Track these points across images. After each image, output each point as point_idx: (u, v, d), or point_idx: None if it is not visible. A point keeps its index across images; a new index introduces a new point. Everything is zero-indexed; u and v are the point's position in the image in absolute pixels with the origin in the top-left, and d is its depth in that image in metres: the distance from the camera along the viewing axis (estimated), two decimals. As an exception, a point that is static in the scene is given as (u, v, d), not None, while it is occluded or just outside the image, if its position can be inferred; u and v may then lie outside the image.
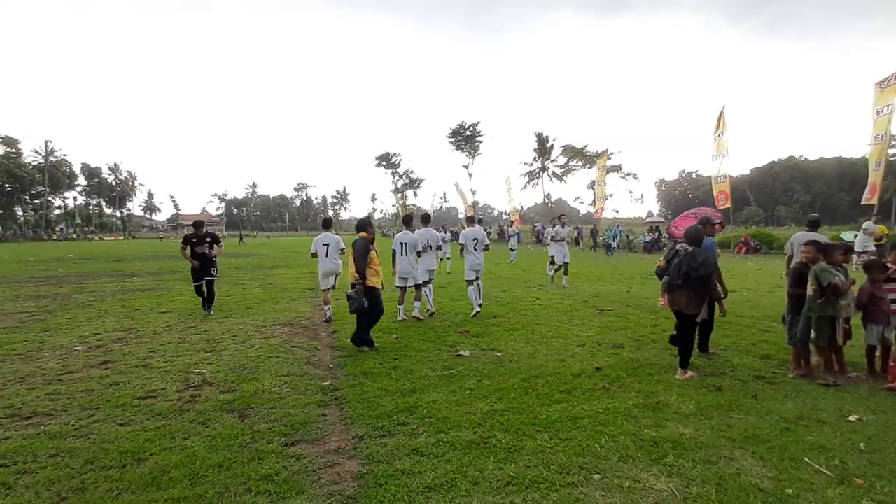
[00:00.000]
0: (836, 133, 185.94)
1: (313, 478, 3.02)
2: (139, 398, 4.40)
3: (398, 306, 8.01)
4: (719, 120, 23.39)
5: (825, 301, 4.72)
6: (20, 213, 79.24)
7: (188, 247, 8.67)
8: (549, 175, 60.72)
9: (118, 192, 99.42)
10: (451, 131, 64.26)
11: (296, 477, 3.02)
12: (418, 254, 8.05)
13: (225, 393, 4.53)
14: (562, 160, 59.88)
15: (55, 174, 79.44)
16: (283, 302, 10.01)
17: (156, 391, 4.59)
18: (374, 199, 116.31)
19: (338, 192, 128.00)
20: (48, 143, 78.98)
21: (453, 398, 4.34)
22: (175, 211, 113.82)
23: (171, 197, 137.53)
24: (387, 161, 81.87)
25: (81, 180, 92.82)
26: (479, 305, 8.30)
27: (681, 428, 3.67)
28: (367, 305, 5.95)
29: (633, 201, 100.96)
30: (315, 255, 8.14)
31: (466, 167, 64.63)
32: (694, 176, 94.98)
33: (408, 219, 8.59)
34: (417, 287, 7.95)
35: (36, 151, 78.12)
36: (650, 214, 75.66)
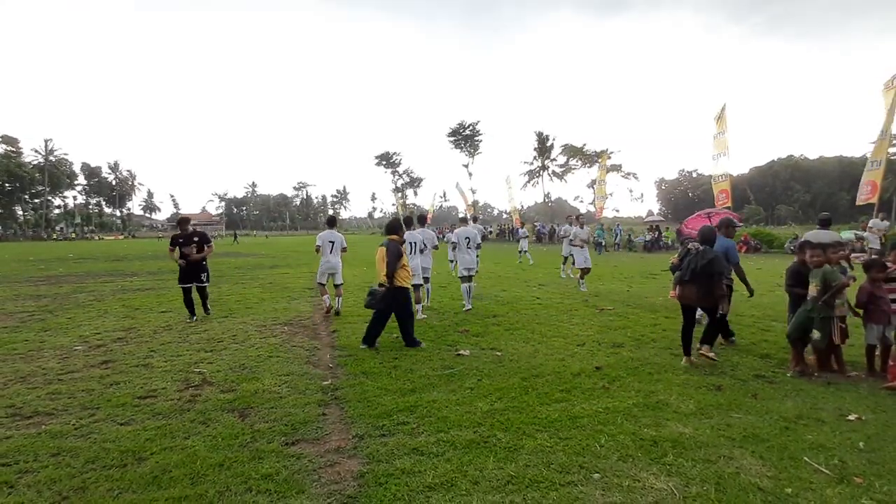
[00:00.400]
0: (837, 132, 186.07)
1: (314, 477, 3.02)
2: (140, 398, 4.41)
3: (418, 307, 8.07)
4: (720, 118, 23.36)
5: (827, 302, 4.74)
6: (20, 212, 79.28)
7: (176, 248, 7.93)
8: (549, 174, 60.77)
9: (118, 191, 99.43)
10: (450, 130, 64.37)
11: (296, 476, 3.03)
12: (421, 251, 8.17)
13: (225, 392, 4.54)
14: (561, 159, 59.95)
15: (55, 173, 79.45)
16: (282, 301, 10.02)
17: (156, 391, 4.60)
18: (373, 198, 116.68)
19: (338, 191, 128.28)
20: (48, 143, 79.10)
21: (453, 397, 4.34)
22: (175, 210, 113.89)
23: (171, 196, 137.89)
24: (387, 160, 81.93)
25: (81, 180, 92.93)
26: (469, 303, 8.67)
27: (680, 427, 3.67)
28: (400, 305, 6.15)
29: (633, 200, 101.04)
30: (318, 251, 8.43)
31: (466, 166, 64.76)
32: (694, 175, 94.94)
33: (407, 220, 8.64)
34: (416, 287, 7.96)
35: (36, 150, 78.24)
36: (650, 214, 75.62)
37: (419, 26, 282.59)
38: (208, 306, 8.43)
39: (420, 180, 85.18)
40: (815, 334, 4.77)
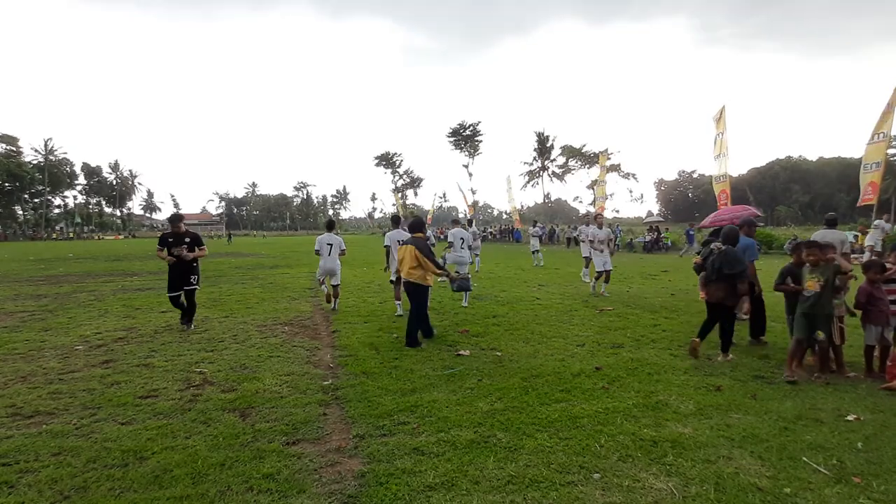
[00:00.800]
0: (836, 133, 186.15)
1: (314, 477, 3.03)
2: (140, 397, 4.42)
3: (396, 302, 8.40)
4: (719, 120, 23.38)
5: (828, 300, 4.77)
6: (20, 212, 79.25)
7: (165, 248, 7.27)
8: (549, 175, 60.80)
9: (118, 191, 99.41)
10: (451, 131, 64.36)
11: (297, 476, 3.04)
12: None
13: (226, 392, 4.55)
14: (561, 160, 59.99)
15: (55, 173, 79.43)
16: (283, 301, 10.03)
17: (157, 390, 4.60)
18: (373, 198, 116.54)
19: (338, 191, 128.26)
20: (48, 142, 79.09)
21: (454, 397, 4.35)
22: (175, 210, 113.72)
23: (172, 196, 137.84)
24: (387, 161, 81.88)
25: (81, 179, 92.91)
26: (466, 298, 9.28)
27: (680, 427, 3.68)
28: (419, 301, 6.32)
29: (632, 201, 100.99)
30: (318, 253, 8.71)
31: (466, 167, 64.73)
32: (695, 176, 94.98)
33: (396, 219, 9.21)
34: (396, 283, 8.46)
35: (35, 150, 78.22)
36: (650, 214, 75.63)
37: (419, 26, 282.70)
38: (192, 319, 7.47)
39: (420, 181, 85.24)
40: (820, 335, 4.76)
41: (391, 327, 7.32)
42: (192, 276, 7.39)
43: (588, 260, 11.87)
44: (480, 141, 63.95)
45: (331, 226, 9.28)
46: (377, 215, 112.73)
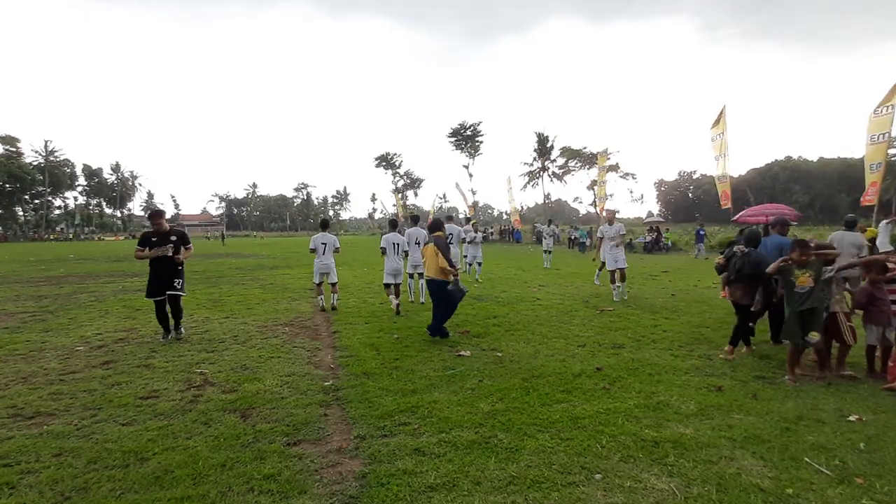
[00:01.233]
0: (836, 134, 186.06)
1: (315, 477, 3.03)
2: (141, 398, 4.41)
3: (393, 299, 8.69)
4: (719, 120, 23.38)
5: (820, 294, 4.75)
6: (20, 213, 79.28)
7: (146, 248, 6.54)
8: (549, 175, 60.77)
9: (119, 192, 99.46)
10: (451, 131, 64.29)
11: (298, 476, 3.03)
12: (405, 253, 9.10)
13: (227, 393, 4.54)
14: (560, 161, 59.96)
15: (56, 174, 79.48)
16: (283, 302, 10.03)
17: (158, 391, 4.60)
18: (374, 199, 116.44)
19: (338, 192, 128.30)
20: (48, 143, 79.15)
21: (454, 398, 4.35)
22: (175, 211, 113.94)
23: (172, 197, 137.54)
24: (386, 161, 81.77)
25: (82, 181, 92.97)
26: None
27: (681, 428, 3.68)
28: (446, 295, 6.51)
29: (632, 201, 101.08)
30: (314, 252, 8.93)
31: (466, 167, 64.67)
32: (695, 176, 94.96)
33: (393, 222, 9.81)
34: (397, 285, 8.87)
35: (36, 151, 78.26)
36: (650, 214, 75.63)
37: (419, 27, 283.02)
38: (181, 327, 6.81)
39: (420, 181, 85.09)
40: (815, 336, 4.63)
41: (392, 328, 7.31)
42: (177, 280, 6.61)
43: (603, 265, 11.13)
44: (481, 141, 63.90)
45: (325, 225, 9.46)
46: (377, 216, 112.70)
